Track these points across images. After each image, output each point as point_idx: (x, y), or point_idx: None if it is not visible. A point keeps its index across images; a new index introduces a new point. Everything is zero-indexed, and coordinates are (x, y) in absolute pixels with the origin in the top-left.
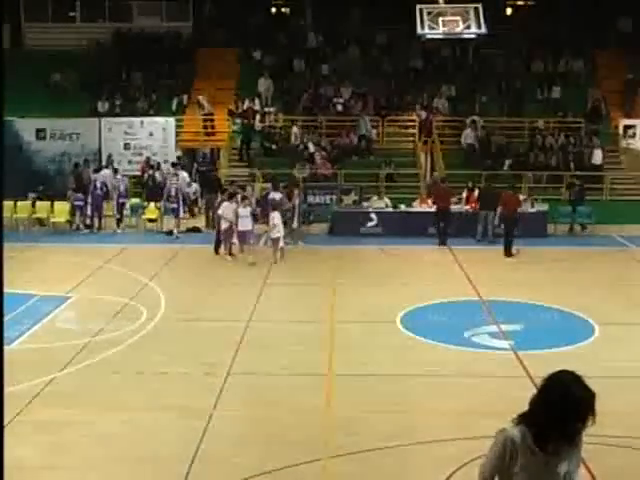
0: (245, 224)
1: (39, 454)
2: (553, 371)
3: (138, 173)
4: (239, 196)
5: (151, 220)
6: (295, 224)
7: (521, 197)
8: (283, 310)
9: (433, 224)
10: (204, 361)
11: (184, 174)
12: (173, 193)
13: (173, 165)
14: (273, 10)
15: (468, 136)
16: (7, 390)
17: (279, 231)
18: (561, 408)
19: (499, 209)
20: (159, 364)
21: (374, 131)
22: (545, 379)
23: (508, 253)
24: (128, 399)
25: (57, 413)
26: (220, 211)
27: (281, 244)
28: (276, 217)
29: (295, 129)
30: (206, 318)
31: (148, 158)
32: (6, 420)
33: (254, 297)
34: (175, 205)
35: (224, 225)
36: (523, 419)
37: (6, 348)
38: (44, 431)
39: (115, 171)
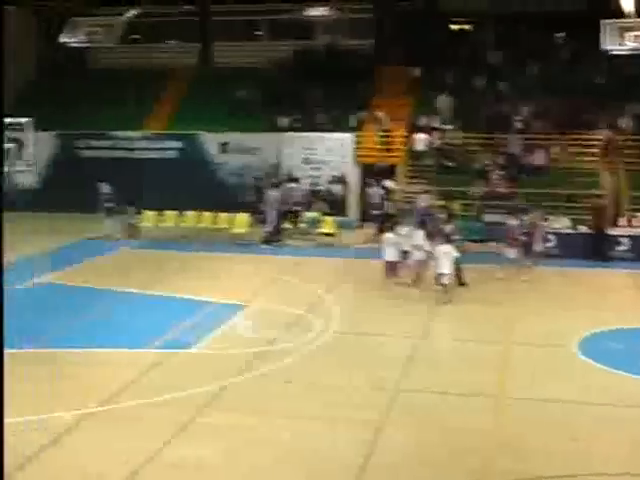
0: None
1: (215, 455)
2: None
3: (319, 187)
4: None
5: (327, 234)
6: (539, 247)
7: None
8: (456, 329)
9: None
10: (373, 375)
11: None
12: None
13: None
14: (454, 27)
15: None
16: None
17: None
18: None
19: None
20: (329, 376)
21: (555, 149)
22: None
23: None
24: (298, 408)
25: (231, 417)
26: (417, 242)
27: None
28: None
29: (473, 147)
30: (377, 333)
31: (336, 176)
32: (185, 420)
33: (427, 314)
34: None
35: (418, 256)
36: None
37: (185, 352)
38: (219, 434)
39: (296, 180)
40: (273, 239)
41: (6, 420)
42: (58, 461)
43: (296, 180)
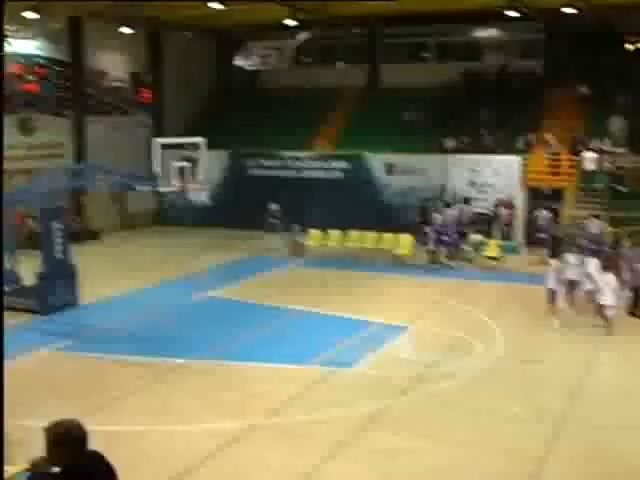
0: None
1: (373, 477)
2: None
3: (484, 211)
4: None
5: (491, 258)
6: None
7: None
8: (621, 363)
9: None
10: (536, 405)
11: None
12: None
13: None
14: (628, 47)
15: None
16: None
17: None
18: None
19: None
20: (490, 402)
21: None
22: None
23: None
24: (458, 434)
25: (389, 439)
26: (589, 270)
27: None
28: (611, 281)
29: None
30: (540, 361)
31: (502, 199)
32: (343, 440)
33: (592, 345)
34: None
35: (589, 285)
36: None
37: (346, 370)
38: (377, 456)
39: (467, 202)
40: (437, 261)
41: (178, 427)
42: (221, 470)
43: (467, 201)
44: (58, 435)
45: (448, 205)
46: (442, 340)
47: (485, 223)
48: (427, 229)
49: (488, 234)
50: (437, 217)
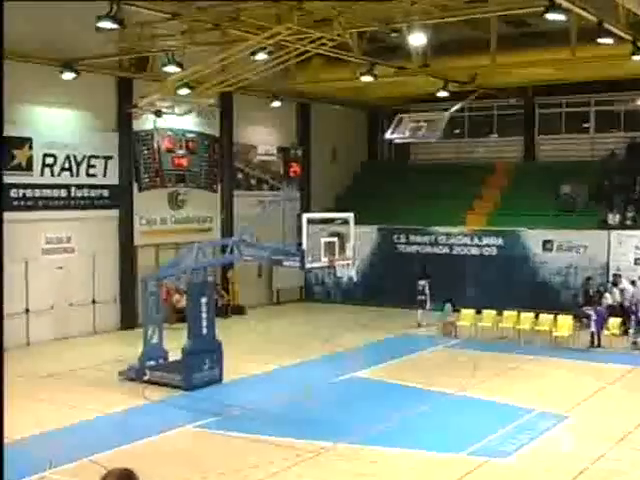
0: None
1: None
2: None
3: None
4: None
5: None
6: None
7: None
8: None
9: None
10: None
11: None
12: None
13: None
14: None
15: None
16: None
17: None
18: None
19: None
20: None
21: None
22: None
23: None
24: None
25: None
26: None
27: None
28: None
29: None
30: None
31: None
32: None
33: None
34: None
35: None
36: None
37: (500, 462)
38: None
39: (632, 283)
40: (599, 344)
41: None
42: None
43: (633, 283)
44: None
45: (615, 284)
46: (609, 432)
47: None
48: (590, 310)
49: None
50: (607, 297)
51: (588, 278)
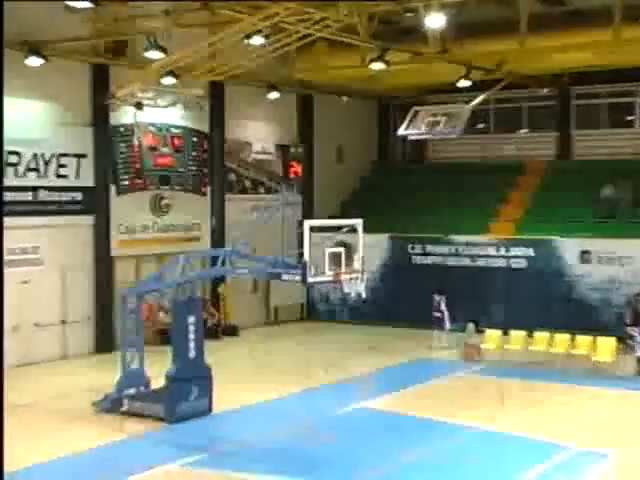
0: None
1: None
2: None
3: None
4: None
5: None
6: None
7: None
8: None
9: None
10: None
11: None
12: None
13: None
14: None
15: None
16: None
17: None
18: None
19: None
20: None
21: None
22: None
23: None
24: None
25: None
26: None
27: None
28: None
29: None
30: None
31: None
32: None
33: None
34: None
35: None
36: None
37: None
38: None
39: None
40: None
41: None
42: None
43: None
44: None
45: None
46: None
47: None
48: (635, 331)
49: None
50: None
51: (638, 295)
